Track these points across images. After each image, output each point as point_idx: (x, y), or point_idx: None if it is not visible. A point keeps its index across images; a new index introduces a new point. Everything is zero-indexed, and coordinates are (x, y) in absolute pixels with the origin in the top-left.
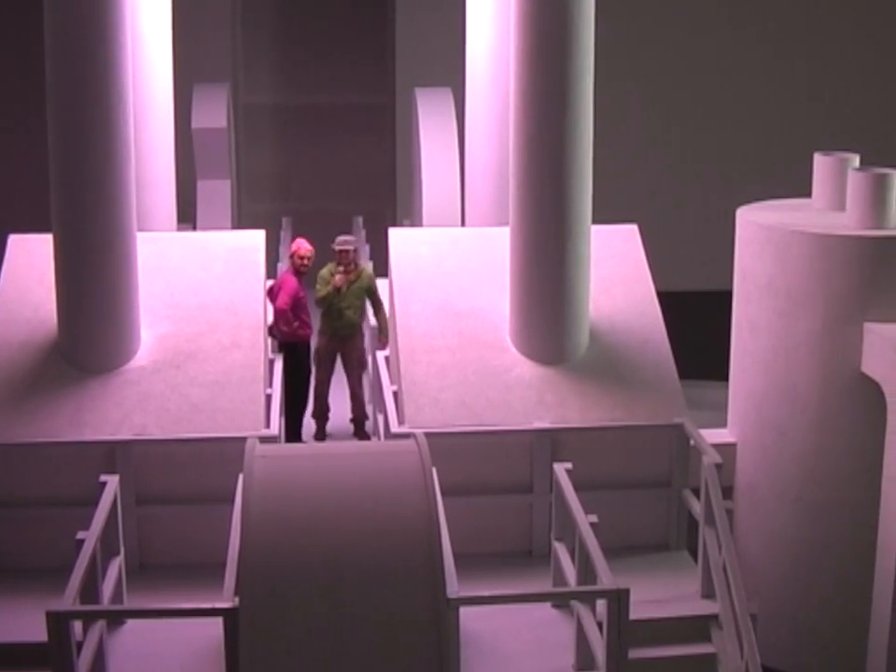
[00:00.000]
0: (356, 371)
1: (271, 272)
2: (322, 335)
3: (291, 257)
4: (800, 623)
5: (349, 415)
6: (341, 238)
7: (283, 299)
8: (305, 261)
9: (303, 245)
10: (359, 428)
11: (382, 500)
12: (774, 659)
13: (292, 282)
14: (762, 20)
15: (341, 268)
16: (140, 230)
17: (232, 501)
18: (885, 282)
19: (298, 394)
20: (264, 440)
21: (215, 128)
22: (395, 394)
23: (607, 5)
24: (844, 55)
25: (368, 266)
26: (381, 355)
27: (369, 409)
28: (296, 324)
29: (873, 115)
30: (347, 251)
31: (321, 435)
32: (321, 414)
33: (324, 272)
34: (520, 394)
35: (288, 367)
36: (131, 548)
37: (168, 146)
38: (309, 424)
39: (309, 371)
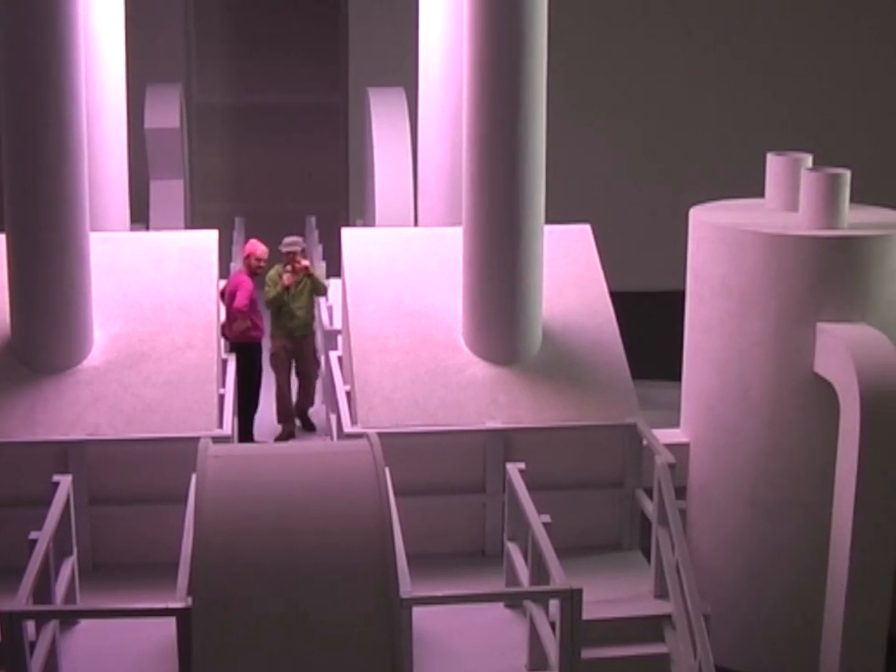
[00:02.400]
0: (311, 370)
1: (223, 272)
2: (276, 338)
3: (247, 258)
4: (753, 623)
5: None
6: (288, 239)
7: (241, 299)
8: (262, 263)
9: (259, 247)
10: (303, 416)
11: (335, 500)
12: (727, 658)
13: (249, 283)
14: (715, 20)
15: (289, 268)
16: (93, 230)
17: (185, 501)
18: (837, 282)
19: (249, 395)
20: (217, 440)
21: (168, 128)
22: (348, 394)
23: (560, 5)
24: (797, 55)
25: (321, 266)
26: (334, 355)
27: (322, 409)
28: (248, 324)
29: (826, 115)
30: (293, 252)
31: (285, 437)
32: (286, 418)
33: (272, 273)
34: (473, 394)
35: (240, 368)
36: (84, 548)
37: (121, 146)
38: (263, 424)
39: (260, 372)
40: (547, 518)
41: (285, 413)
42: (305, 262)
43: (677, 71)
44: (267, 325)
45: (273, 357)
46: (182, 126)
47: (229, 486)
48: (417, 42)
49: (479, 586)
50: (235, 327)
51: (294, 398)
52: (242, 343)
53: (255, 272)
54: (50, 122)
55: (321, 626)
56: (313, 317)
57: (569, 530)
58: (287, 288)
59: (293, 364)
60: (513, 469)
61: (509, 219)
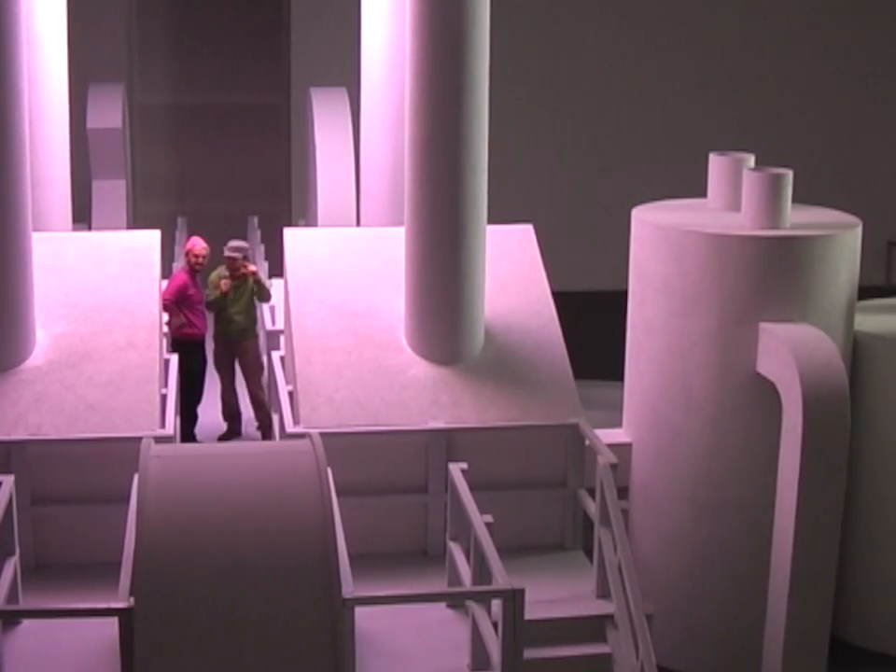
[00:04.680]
0: (253, 375)
1: (166, 271)
2: (216, 340)
3: (186, 254)
4: (695, 623)
5: (255, 423)
6: (232, 243)
7: (166, 291)
8: (200, 260)
9: (198, 244)
10: (266, 434)
11: (277, 500)
12: (669, 658)
13: (181, 277)
14: (655, 19)
15: (227, 272)
16: (35, 229)
17: (128, 501)
18: (779, 282)
19: (190, 394)
20: (159, 440)
21: (110, 128)
22: (290, 394)
23: (501, 5)
24: (739, 55)
25: (265, 267)
26: (276, 355)
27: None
28: (182, 321)
29: (768, 115)
30: (234, 258)
31: (229, 436)
32: (230, 417)
33: (213, 276)
34: (415, 394)
35: (181, 367)
36: (26, 548)
37: (63, 146)
38: (208, 423)
39: (202, 371)
40: (489, 518)
41: (228, 413)
42: (252, 268)
43: (619, 70)
44: (211, 325)
45: (215, 357)
46: (124, 126)
47: (171, 486)
48: (360, 42)
49: (421, 586)
50: (171, 323)
51: (255, 420)
52: (180, 340)
53: (194, 268)
54: None
55: (263, 626)
56: (254, 321)
57: (512, 530)
58: (224, 295)
59: (234, 366)
60: (456, 469)
61: (451, 219)
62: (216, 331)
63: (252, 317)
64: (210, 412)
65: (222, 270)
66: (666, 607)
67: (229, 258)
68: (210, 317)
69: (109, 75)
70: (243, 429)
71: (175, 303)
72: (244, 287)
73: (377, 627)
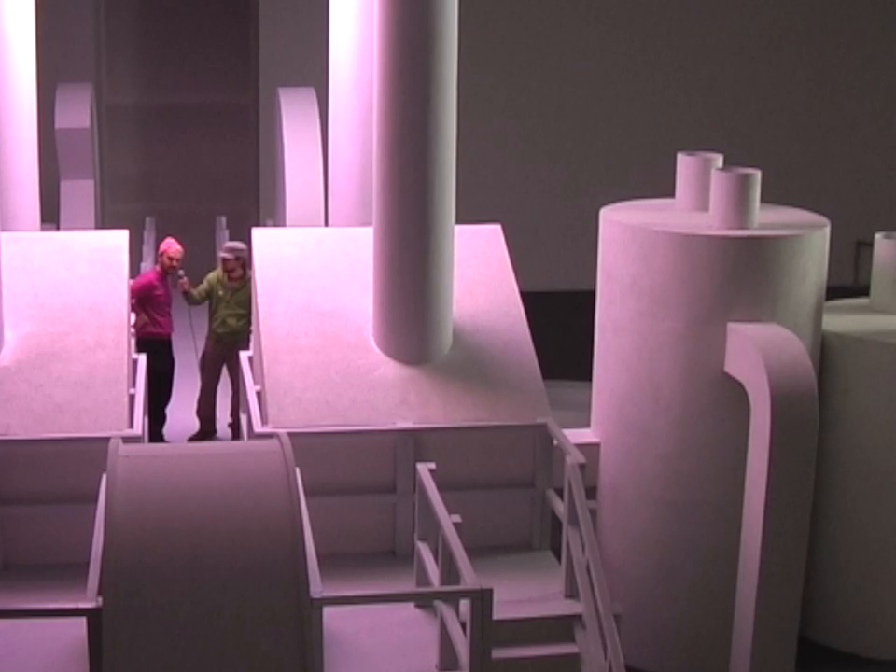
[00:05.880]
0: (239, 379)
1: (134, 272)
2: (208, 340)
3: (161, 255)
4: (663, 623)
5: (228, 419)
6: (227, 244)
7: (132, 284)
8: (174, 262)
9: (173, 246)
10: (236, 432)
11: (245, 500)
12: (637, 658)
13: (148, 276)
14: (624, 19)
15: (223, 273)
16: (3, 230)
17: (96, 501)
18: (748, 282)
19: (158, 393)
20: (127, 440)
21: (78, 128)
22: (258, 394)
23: (470, 6)
24: (707, 55)
25: None
26: (244, 355)
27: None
28: (145, 320)
29: (736, 114)
30: (227, 259)
31: (202, 437)
32: (205, 418)
33: (211, 275)
34: (383, 394)
35: (148, 367)
36: None
37: (31, 145)
38: (181, 424)
39: (168, 372)
40: (457, 518)
41: (203, 414)
42: (248, 273)
43: (587, 70)
44: (202, 325)
45: (202, 357)
46: (93, 126)
47: (139, 486)
48: (328, 42)
49: (389, 586)
50: (136, 323)
51: (229, 416)
52: (144, 340)
53: (167, 270)
54: None
55: (231, 626)
56: (248, 326)
57: (480, 530)
58: (184, 293)
59: (221, 367)
60: (424, 468)
61: (419, 220)
62: (208, 332)
63: (247, 321)
64: (181, 411)
65: (220, 271)
66: (635, 607)
67: (222, 258)
68: (178, 318)
69: (77, 74)
70: (217, 432)
71: (138, 301)
72: (242, 291)
73: (345, 627)
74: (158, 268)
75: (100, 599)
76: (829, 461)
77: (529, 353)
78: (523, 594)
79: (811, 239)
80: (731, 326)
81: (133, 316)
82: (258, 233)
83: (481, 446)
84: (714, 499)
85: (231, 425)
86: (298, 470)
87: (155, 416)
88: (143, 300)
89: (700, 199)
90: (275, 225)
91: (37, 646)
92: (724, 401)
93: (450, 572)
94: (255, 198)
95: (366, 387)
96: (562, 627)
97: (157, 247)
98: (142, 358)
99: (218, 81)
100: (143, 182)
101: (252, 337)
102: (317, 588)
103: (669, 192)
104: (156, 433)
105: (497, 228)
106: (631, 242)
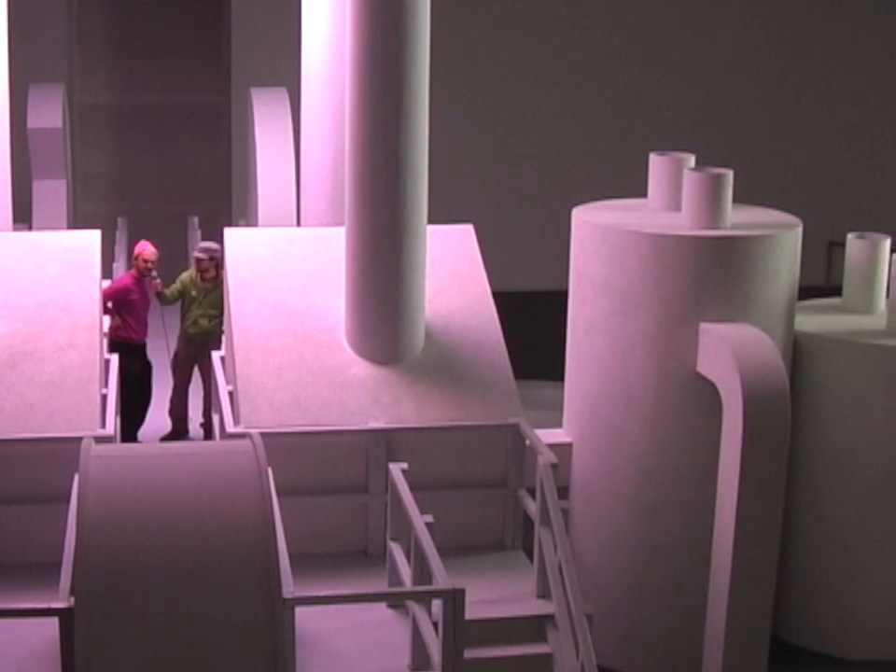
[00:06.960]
0: (210, 380)
1: (106, 272)
2: (180, 340)
3: (136, 259)
4: (635, 623)
5: (200, 420)
6: (201, 244)
7: (106, 290)
8: (149, 265)
9: (147, 248)
10: (208, 432)
11: (217, 500)
12: (609, 659)
13: (125, 280)
14: (594, 20)
15: (196, 274)
16: None
17: (68, 501)
18: (720, 282)
19: (130, 396)
20: (100, 440)
21: (50, 128)
22: (230, 394)
23: (442, 6)
24: (679, 55)
25: None
26: (216, 355)
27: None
28: (118, 323)
29: (708, 115)
30: (201, 259)
31: (175, 437)
32: (177, 417)
33: (184, 275)
34: (355, 394)
35: (121, 368)
36: None
37: (3, 145)
38: (153, 425)
39: (142, 376)
40: (430, 518)
41: (175, 414)
42: (221, 273)
43: (559, 70)
44: (175, 325)
45: (174, 357)
46: (65, 126)
47: (111, 486)
48: (300, 42)
49: (362, 586)
50: (110, 324)
51: (201, 416)
52: (116, 342)
53: (143, 273)
54: None
55: (203, 626)
56: (220, 326)
57: (452, 530)
58: (158, 294)
59: (193, 367)
60: (396, 468)
61: (391, 219)
62: (180, 332)
63: (218, 322)
64: (153, 412)
65: (192, 272)
66: (607, 606)
67: (196, 258)
68: (153, 322)
69: (50, 74)
70: (190, 432)
71: (114, 305)
72: (214, 292)
73: (317, 627)
74: (133, 272)
75: (72, 599)
76: (801, 461)
77: (501, 353)
78: (495, 594)
79: (783, 239)
80: (703, 326)
81: (107, 318)
82: (230, 233)
83: (453, 446)
84: (686, 499)
85: (203, 425)
86: (270, 470)
87: (130, 419)
88: (118, 304)
89: (672, 199)
90: (248, 225)
91: (9, 646)
92: (696, 401)
93: (422, 572)
94: (227, 198)
95: (338, 387)
96: (534, 627)
97: (129, 247)
98: (114, 359)
99: (191, 81)
100: (115, 182)
101: (224, 337)
102: (289, 588)
103: (641, 192)
104: (130, 435)
105: (469, 228)
106: (603, 242)
